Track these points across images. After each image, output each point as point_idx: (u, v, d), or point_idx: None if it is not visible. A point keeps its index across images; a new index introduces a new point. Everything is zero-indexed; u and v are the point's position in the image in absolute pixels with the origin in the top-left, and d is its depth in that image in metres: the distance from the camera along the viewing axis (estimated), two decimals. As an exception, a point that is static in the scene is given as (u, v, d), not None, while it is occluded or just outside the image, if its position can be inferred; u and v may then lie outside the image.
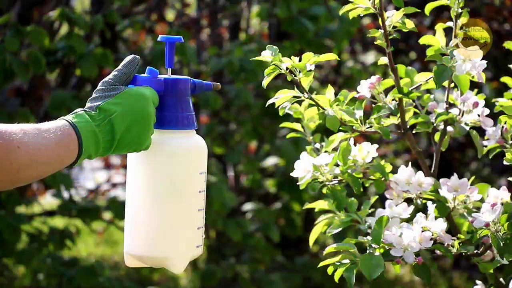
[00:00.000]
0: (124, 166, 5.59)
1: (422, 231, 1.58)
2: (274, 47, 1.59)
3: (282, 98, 1.65)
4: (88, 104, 1.40)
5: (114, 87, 1.42)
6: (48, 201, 5.32)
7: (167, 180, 1.47)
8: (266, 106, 1.69)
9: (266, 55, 1.59)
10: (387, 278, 5.35)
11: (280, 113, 1.68)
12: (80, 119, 1.36)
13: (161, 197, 1.47)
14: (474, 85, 1.68)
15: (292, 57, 1.60)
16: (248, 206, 4.57)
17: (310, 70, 1.61)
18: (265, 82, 1.61)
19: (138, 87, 1.44)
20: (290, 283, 4.64)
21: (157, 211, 1.47)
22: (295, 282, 4.70)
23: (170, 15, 5.62)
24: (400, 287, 5.36)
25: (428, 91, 1.79)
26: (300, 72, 1.61)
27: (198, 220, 1.50)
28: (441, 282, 5.37)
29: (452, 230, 1.67)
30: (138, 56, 1.46)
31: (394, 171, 1.71)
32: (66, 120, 1.36)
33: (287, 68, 1.60)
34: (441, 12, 4.11)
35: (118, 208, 3.88)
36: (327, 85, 1.71)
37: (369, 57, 5.08)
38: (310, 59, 1.60)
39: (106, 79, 1.43)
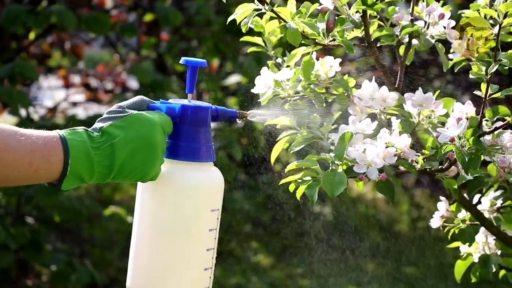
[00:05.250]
0: (84, 85, 5.51)
1: (386, 147, 1.54)
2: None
3: (242, 13, 1.59)
4: (94, 125, 1.30)
5: (123, 110, 1.32)
6: (6, 119, 5.24)
7: (173, 215, 1.36)
8: (227, 22, 1.62)
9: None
10: (350, 196, 5.37)
11: (243, 30, 1.62)
12: (75, 137, 1.26)
13: (166, 232, 1.36)
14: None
15: (251, -33, 1.53)
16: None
17: (271, -20, 1.54)
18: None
19: (148, 111, 1.34)
20: (253, 201, 4.64)
21: (161, 247, 1.37)
22: (257, 200, 4.69)
23: None
24: (363, 204, 5.39)
25: (393, 3, 1.74)
26: (260, -18, 1.54)
27: (206, 260, 1.39)
28: (403, 200, 5.40)
29: (417, 146, 1.64)
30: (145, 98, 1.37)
31: (358, 88, 1.66)
32: (59, 134, 1.26)
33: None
34: None
35: (76, 125, 3.81)
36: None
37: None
38: (270, -32, 1.53)
39: (119, 103, 1.34)
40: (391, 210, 5.37)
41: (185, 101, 1.39)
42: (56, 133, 1.26)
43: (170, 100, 1.40)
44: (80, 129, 1.28)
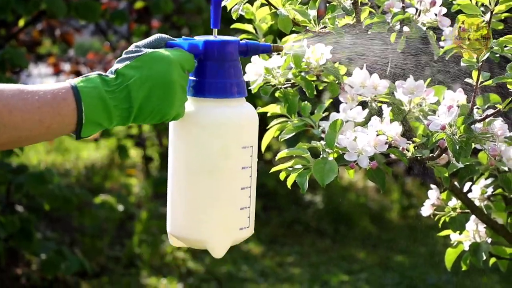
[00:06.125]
0: (74, 72, 5.49)
1: (377, 135, 1.53)
2: None
3: (233, 0, 1.58)
4: (114, 65, 1.28)
5: (139, 49, 1.29)
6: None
7: (202, 154, 1.33)
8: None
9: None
10: (340, 184, 5.37)
11: (234, 16, 1.61)
12: (88, 84, 1.24)
13: (197, 173, 1.34)
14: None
15: (243, -47, 1.52)
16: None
17: (261, -33, 1.53)
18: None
19: (164, 49, 1.30)
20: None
21: (193, 189, 1.35)
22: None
23: None
24: (353, 193, 5.38)
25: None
26: (251, -31, 1.54)
27: (242, 199, 1.37)
28: (394, 188, 5.40)
29: (407, 134, 1.63)
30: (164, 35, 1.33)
31: (349, 75, 1.65)
32: (70, 84, 1.23)
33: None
34: None
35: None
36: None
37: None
38: (261, -45, 1.52)
39: (136, 43, 1.31)
40: (382, 198, 5.37)
41: (210, 37, 1.35)
42: (67, 83, 1.24)
43: (195, 37, 1.36)
44: (94, 74, 1.26)
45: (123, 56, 1.29)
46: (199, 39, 1.35)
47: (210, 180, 1.34)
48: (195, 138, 1.34)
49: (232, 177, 1.35)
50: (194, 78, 1.35)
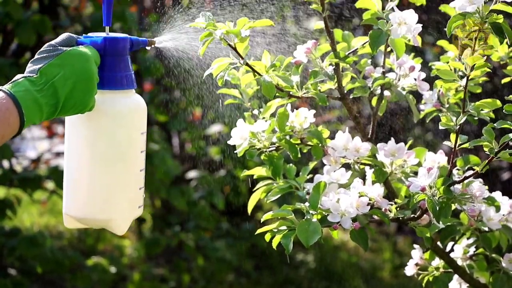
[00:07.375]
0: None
1: (359, 197, 1.57)
2: (208, 13, 1.56)
3: (218, 67, 1.63)
4: (29, 67, 1.37)
5: (55, 48, 1.39)
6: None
7: (110, 142, 1.45)
8: (203, 77, 1.66)
9: (200, 21, 1.56)
10: (332, 244, 5.38)
11: (219, 83, 1.66)
12: (19, 88, 1.33)
13: (105, 159, 1.45)
14: (415, 51, 1.68)
15: (227, 22, 1.57)
16: (192, 174, 4.55)
17: (246, 36, 1.58)
18: (201, 50, 1.59)
19: (79, 46, 1.42)
20: (236, 250, 4.64)
21: (101, 174, 1.45)
22: (240, 249, 4.70)
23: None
24: (345, 252, 5.40)
25: (373, 57, 1.78)
26: (235, 38, 1.59)
27: (140, 180, 1.50)
28: (385, 246, 5.41)
29: (390, 195, 1.67)
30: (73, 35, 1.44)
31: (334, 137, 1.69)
32: (4, 91, 1.33)
33: (221, 34, 1.57)
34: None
35: (60, 177, 3.82)
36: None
37: (313, 24, 5.06)
38: (245, 24, 1.57)
39: (49, 42, 1.41)
40: (374, 257, 5.38)
41: (103, 34, 1.46)
42: (1, 92, 1.33)
43: (89, 34, 1.46)
44: (20, 78, 1.35)
45: (39, 56, 1.39)
46: (97, 36, 1.45)
47: (118, 165, 1.46)
48: (103, 128, 1.45)
49: (135, 161, 1.48)
50: None
